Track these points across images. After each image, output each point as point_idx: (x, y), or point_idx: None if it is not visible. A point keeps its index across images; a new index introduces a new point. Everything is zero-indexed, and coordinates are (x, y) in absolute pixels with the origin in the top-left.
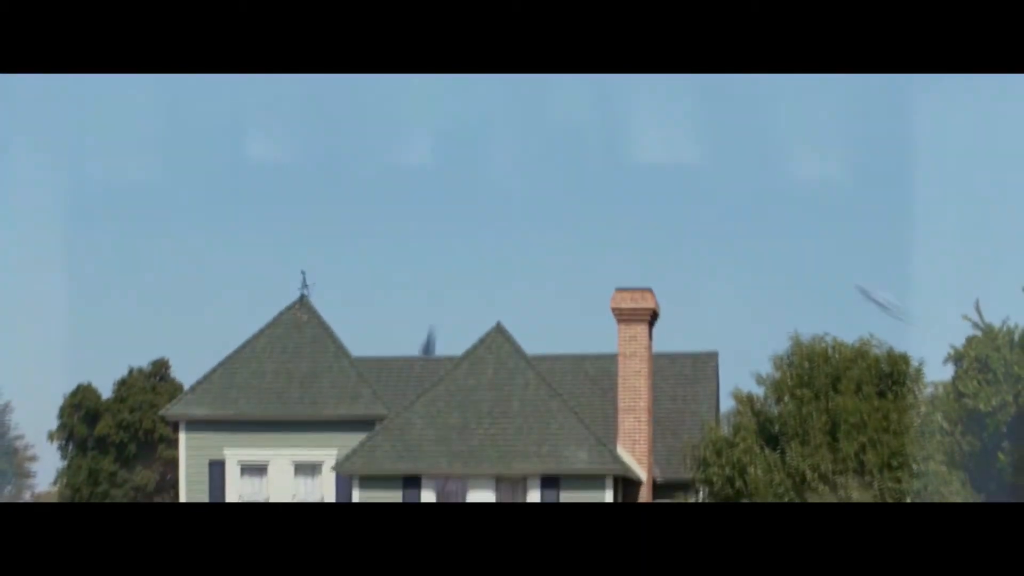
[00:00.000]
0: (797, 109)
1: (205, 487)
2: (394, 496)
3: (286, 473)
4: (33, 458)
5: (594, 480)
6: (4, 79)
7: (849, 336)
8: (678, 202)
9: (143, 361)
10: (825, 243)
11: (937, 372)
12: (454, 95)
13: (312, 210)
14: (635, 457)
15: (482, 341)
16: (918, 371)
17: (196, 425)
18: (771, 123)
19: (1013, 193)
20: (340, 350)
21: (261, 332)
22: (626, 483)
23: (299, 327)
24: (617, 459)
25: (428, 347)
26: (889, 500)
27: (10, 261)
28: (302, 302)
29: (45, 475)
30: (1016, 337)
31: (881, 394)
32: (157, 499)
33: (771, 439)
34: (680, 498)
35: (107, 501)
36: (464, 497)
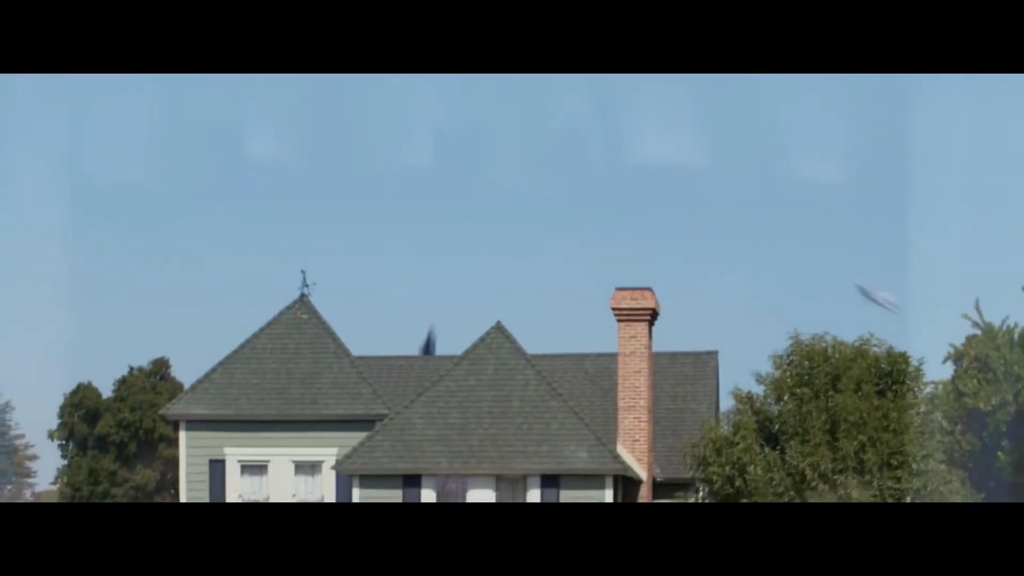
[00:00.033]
0: (797, 109)
1: (205, 486)
2: (394, 495)
3: (286, 472)
4: (33, 457)
5: (594, 479)
6: (4, 79)
7: (849, 335)
8: (678, 202)
9: (143, 360)
10: (825, 243)
11: (937, 371)
12: (455, 95)
13: (312, 210)
14: (635, 456)
15: (482, 340)
16: (918, 370)
17: (196, 424)
18: (771, 123)
19: (1013, 193)
20: (340, 349)
21: (261, 331)
22: (626, 482)
23: (299, 326)
24: (617, 458)
25: (428, 346)
26: (889, 499)
27: (10, 261)
28: (302, 301)
29: (45, 474)
30: (1016, 336)
31: (881, 393)
32: (157, 498)
33: (771, 438)
34: (680, 497)
35: (107, 500)
36: (464, 496)
